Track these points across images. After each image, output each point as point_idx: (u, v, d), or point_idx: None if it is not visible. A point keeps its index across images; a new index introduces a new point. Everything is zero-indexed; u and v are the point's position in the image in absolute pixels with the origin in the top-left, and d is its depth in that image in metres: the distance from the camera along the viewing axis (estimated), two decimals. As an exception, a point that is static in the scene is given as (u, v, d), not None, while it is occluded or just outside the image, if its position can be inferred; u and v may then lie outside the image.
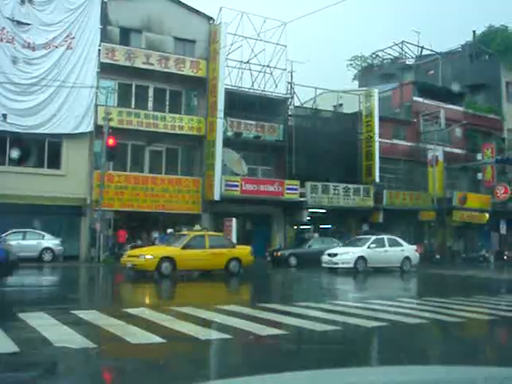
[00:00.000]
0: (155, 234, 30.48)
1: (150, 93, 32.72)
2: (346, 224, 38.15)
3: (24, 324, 9.50)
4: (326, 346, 9.02)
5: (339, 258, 26.24)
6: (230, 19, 34.15)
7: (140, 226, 32.05)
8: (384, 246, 27.48)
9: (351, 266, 26.02)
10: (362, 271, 25.95)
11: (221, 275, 22.52)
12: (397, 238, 28.83)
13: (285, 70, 36.12)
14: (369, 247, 26.89)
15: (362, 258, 26.25)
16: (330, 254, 26.80)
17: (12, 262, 16.92)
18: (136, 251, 22.35)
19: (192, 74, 32.88)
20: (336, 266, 26.32)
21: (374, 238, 27.89)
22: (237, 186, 32.23)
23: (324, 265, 26.79)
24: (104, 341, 8.59)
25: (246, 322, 10.24)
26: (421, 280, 26.62)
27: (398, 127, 41.09)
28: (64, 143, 30.10)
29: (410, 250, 28.65)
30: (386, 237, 28.28)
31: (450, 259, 38.63)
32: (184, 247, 21.50)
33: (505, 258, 39.79)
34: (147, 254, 20.86)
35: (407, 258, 28.03)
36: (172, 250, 21.42)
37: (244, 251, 23.76)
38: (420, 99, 41.86)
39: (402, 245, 28.41)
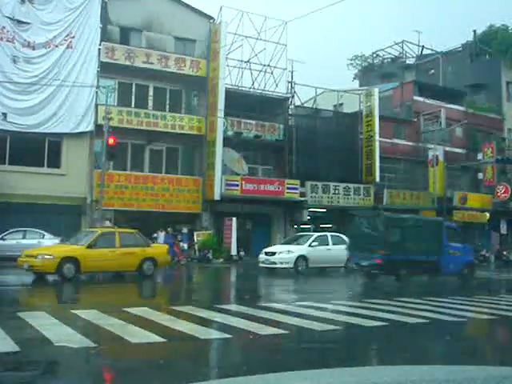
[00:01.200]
0: (155, 234, 30.43)
1: (150, 92, 32.73)
2: (346, 224, 38.11)
3: (24, 323, 9.50)
4: (326, 346, 9.01)
5: (278, 257, 23.82)
6: (230, 18, 34.20)
7: (140, 225, 31.98)
8: (327, 243, 25.13)
9: (291, 266, 23.74)
10: (302, 272, 23.67)
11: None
12: (341, 235, 26.02)
13: (285, 69, 36.11)
14: (310, 245, 24.42)
15: (302, 257, 23.89)
16: (267, 253, 24.49)
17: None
18: (34, 250, 19.60)
19: (192, 73, 32.87)
20: (274, 266, 23.99)
21: (316, 235, 25.64)
22: (237, 185, 32.23)
23: (261, 264, 24.47)
24: (104, 340, 8.59)
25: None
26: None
27: (399, 127, 41.10)
28: (64, 142, 30.10)
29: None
30: (329, 234, 26.36)
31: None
32: (90, 246, 18.96)
33: (503, 258, 39.76)
34: (46, 254, 18.36)
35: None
36: (75, 250, 18.85)
37: (160, 250, 21.57)
38: (420, 99, 41.88)
39: (346, 242, 24.99)
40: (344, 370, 2.56)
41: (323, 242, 25.06)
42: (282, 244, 25.95)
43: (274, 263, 23.80)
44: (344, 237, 25.57)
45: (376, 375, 2.57)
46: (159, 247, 22.48)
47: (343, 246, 24.43)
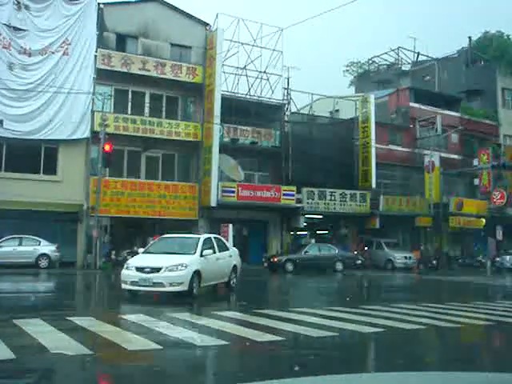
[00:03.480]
0: (151, 241, 30.36)
1: (147, 99, 32.74)
2: (342, 230, 38.14)
3: (20, 330, 9.46)
4: (323, 352, 9.00)
5: (165, 275, 15.18)
6: (226, 25, 34.41)
7: (136, 232, 31.99)
8: (214, 251, 17.48)
9: (185, 288, 15.26)
10: (197, 295, 15.80)
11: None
12: (222, 238, 20.18)
13: (281, 75, 36.24)
14: (202, 254, 16.44)
15: (197, 273, 15.83)
16: (142, 269, 15.42)
17: None
18: None
19: (188, 80, 32.91)
20: (159, 289, 15.42)
21: (203, 238, 17.69)
22: (233, 191, 32.23)
23: (130, 287, 15.52)
24: (100, 347, 8.56)
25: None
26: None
27: (395, 133, 41.18)
28: (60, 149, 30.07)
29: (236, 254, 19.60)
30: (212, 236, 18.63)
31: (447, 265, 38.64)
32: None
33: (496, 264, 39.41)
34: None
35: (235, 268, 18.85)
36: None
37: None
38: (416, 105, 41.96)
39: (227, 248, 19.14)
40: (342, 377, 2.57)
41: (211, 247, 17.36)
42: (147, 253, 17.01)
43: (161, 285, 15.22)
44: (225, 240, 20.42)
45: (373, 381, 2.57)
46: None
47: (227, 253, 18.61)
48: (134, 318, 11.21)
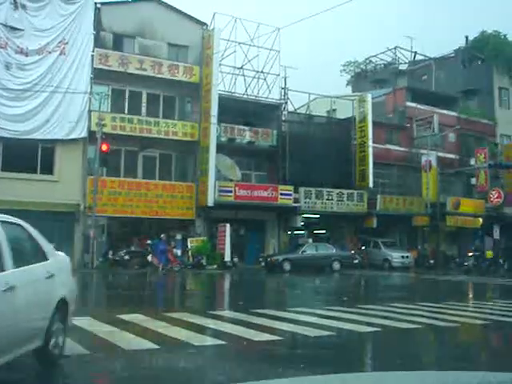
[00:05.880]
0: (148, 241, 30.37)
1: (144, 98, 32.70)
2: (339, 229, 38.15)
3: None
4: (320, 352, 8.99)
5: None
6: (223, 25, 34.30)
7: (133, 232, 31.96)
8: (2, 264, 5.70)
9: None
10: None
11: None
12: (28, 227, 7.90)
13: (278, 75, 36.22)
14: None
15: None
16: None
17: None
18: None
19: (185, 79, 32.89)
20: None
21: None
22: (230, 191, 32.20)
23: None
24: (97, 347, 8.54)
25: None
26: None
27: (392, 132, 41.21)
28: (57, 149, 30.02)
29: (66, 268, 8.12)
30: (26, 225, 7.65)
31: (444, 264, 38.63)
32: None
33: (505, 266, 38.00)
34: None
35: (64, 306, 7.11)
36: None
37: None
38: (413, 104, 41.98)
39: (44, 254, 7.66)
40: (340, 376, 2.56)
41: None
42: None
43: None
44: (37, 233, 8.31)
45: (370, 381, 2.57)
46: None
47: (43, 269, 7.10)
48: (130, 318, 11.19)
